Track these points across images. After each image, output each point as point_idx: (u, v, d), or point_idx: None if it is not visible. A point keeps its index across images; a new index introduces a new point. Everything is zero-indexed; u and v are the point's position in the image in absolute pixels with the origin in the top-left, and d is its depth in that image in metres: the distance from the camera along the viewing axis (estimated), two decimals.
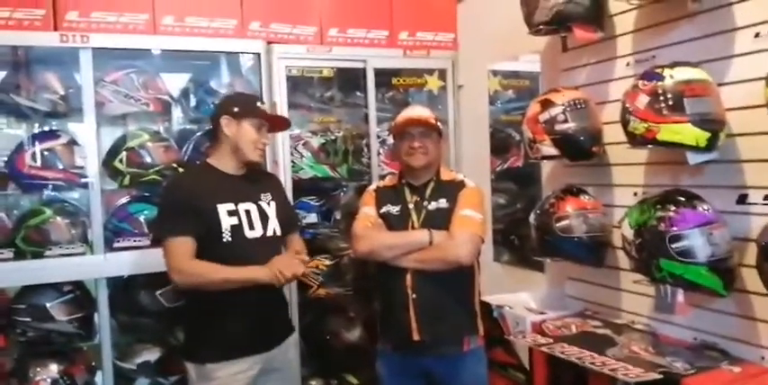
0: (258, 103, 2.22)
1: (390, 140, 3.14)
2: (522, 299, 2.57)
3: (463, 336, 2.22)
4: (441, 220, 2.18)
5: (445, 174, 2.32)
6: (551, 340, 2.08)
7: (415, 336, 2.16)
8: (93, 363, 2.72)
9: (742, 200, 1.80)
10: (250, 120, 2.14)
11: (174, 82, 3.04)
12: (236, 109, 2.14)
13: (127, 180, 2.75)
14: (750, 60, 1.76)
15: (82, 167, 2.66)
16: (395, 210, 2.26)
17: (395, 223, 2.24)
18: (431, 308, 2.15)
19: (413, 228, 2.21)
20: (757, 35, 1.74)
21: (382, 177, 2.79)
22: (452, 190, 2.24)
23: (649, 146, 1.82)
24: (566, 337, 2.10)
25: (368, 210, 2.30)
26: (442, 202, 2.22)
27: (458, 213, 2.17)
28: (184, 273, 2.03)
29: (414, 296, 2.16)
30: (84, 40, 2.59)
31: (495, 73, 3.19)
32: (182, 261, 2.02)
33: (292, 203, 2.82)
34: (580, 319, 2.28)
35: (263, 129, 2.18)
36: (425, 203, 2.24)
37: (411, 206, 2.25)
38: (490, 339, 2.36)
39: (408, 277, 2.16)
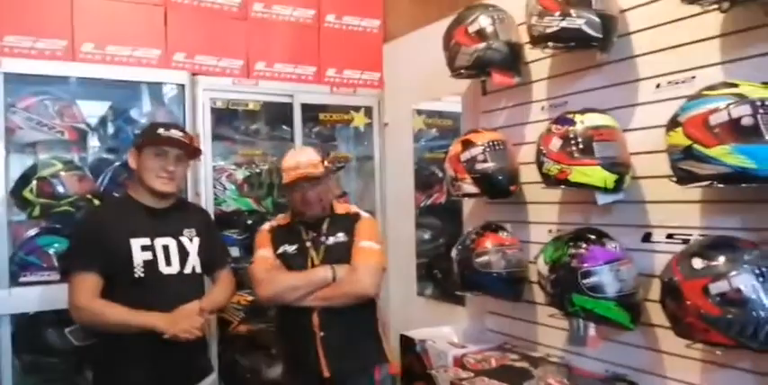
0: (161, 130, 2.09)
1: None
2: (444, 333, 2.60)
3: (374, 366, 2.22)
4: (341, 254, 2.18)
5: (339, 208, 2.32)
6: (472, 374, 2.11)
7: (326, 373, 2.12)
8: None
9: (647, 238, 1.91)
10: (150, 149, 2.06)
11: (92, 109, 2.94)
12: (139, 140, 2.11)
13: (37, 211, 2.61)
14: (652, 109, 1.89)
15: None
16: (292, 249, 2.22)
17: (294, 262, 2.20)
18: (339, 344, 2.13)
19: (313, 265, 2.18)
20: (658, 86, 1.89)
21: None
22: (348, 222, 2.25)
23: (562, 186, 1.92)
24: (486, 371, 2.14)
25: (264, 253, 2.24)
26: (341, 236, 2.22)
27: (357, 245, 2.18)
28: (82, 311, 1.97)
29: (321, 334, 2.13)
30: None
31: (419, 112, 3.29)
32: (83, 298, 1.95)
33: None
34: (499, 353, 2.33)
35: (167, 155, 2.06)
36: (323, 239, 2.22)
37: (308, 244, 2.22)
38: (412, 374, 2.37)
39: (315, 316, 2.13)
